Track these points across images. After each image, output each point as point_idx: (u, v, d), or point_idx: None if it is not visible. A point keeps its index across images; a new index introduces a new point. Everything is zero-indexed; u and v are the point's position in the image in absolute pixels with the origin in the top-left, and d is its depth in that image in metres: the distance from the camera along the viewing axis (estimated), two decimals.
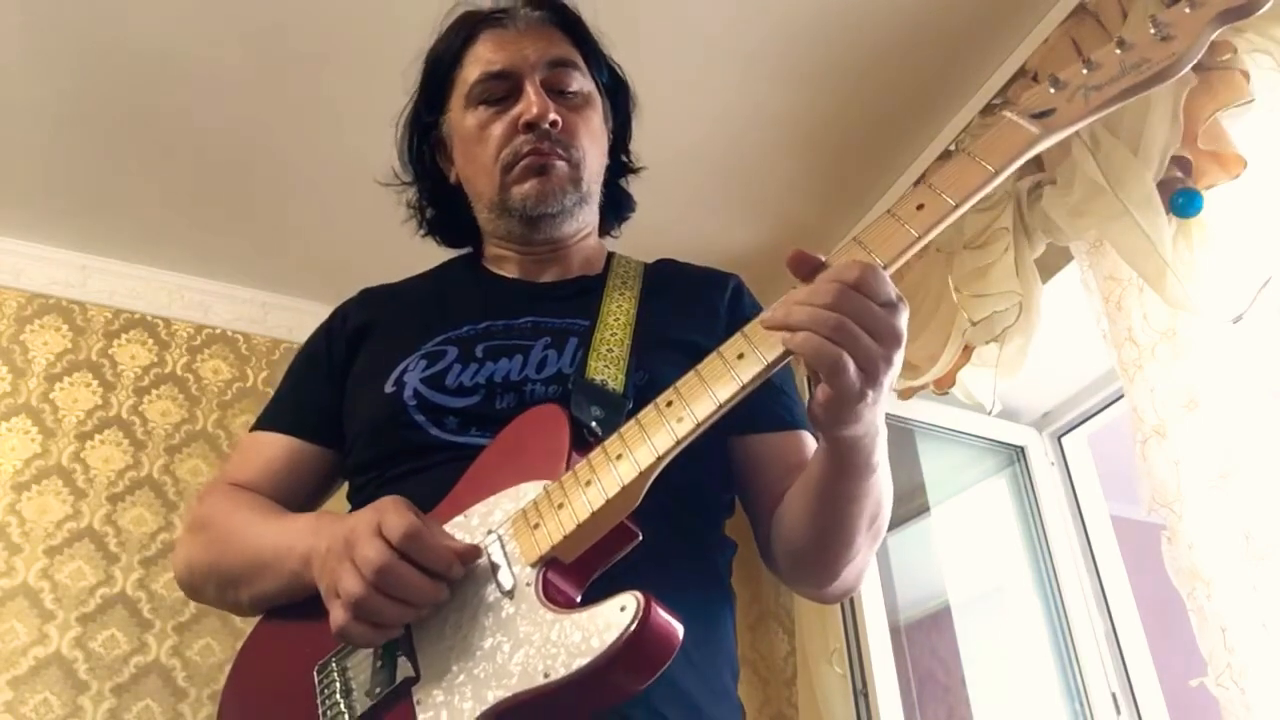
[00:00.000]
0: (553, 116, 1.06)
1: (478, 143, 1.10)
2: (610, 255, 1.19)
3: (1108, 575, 2.46)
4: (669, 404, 0.79)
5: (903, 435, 2.67)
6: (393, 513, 0.81)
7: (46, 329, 2.72)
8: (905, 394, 2.43)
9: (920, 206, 0.76)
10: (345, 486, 1.10)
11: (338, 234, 2.70)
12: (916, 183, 0.78)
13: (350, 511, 1.06)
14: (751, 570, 3.07)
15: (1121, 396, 2.15)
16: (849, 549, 0.91)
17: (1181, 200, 1.74)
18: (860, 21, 2.17)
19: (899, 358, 0.75)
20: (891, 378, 0.76)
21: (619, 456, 0.79)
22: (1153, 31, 0.76)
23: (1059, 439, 2.69)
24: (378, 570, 0.78)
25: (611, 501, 0.78)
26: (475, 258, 1.21)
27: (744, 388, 0.76)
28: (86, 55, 2.20)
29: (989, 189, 0.76)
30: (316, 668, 0.88)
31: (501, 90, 1.09)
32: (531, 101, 1.07)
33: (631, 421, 0.81)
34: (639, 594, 0.72)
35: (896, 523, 2.74)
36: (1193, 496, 1.68)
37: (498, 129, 1.08)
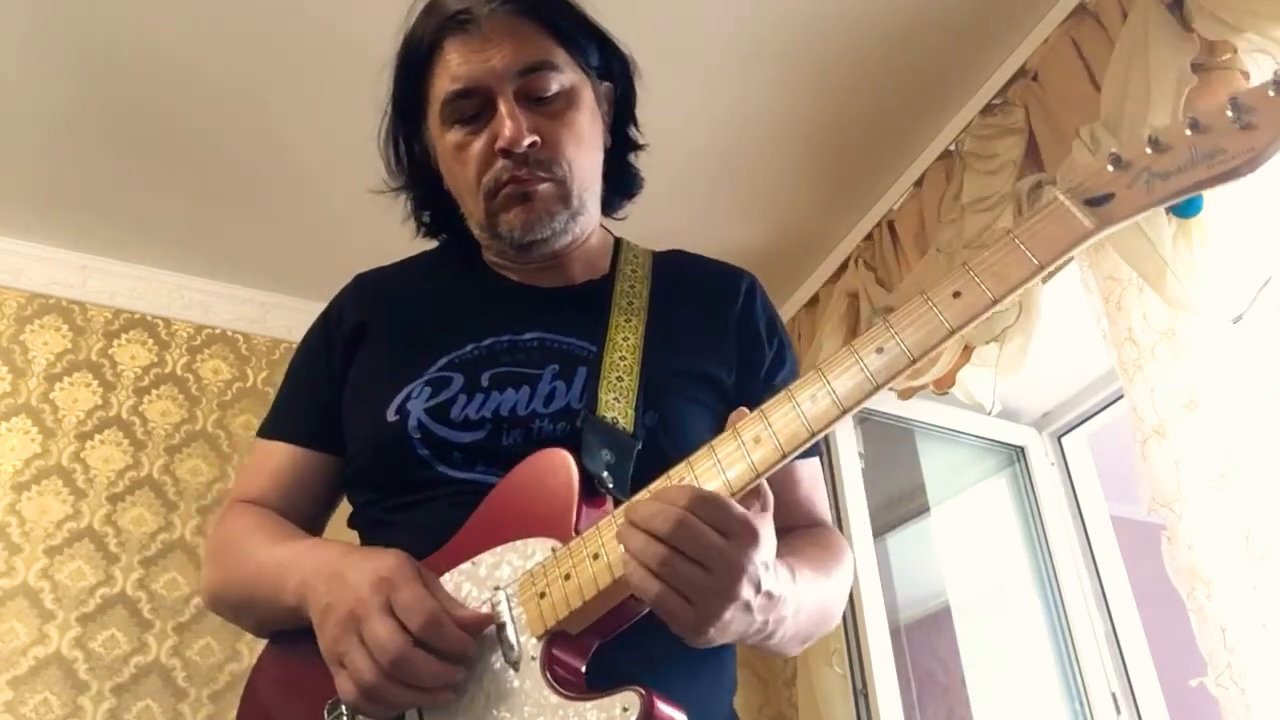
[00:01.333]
0: (529, 139, 0.98)
1: (458, 163, 1.04)
2: (617, 246, 1.14)
3: (1108, 575, 2.46)
4: (681, 480, 0.77)
5: (903, 435, 2.68)
6: (405, 590, 0.79)
7: (46, 329, 2.72)
8: (905, 394, 2.43)
9: (957, 294, 0.71)
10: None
11: (338, 234, 2.70)
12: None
13: (351, 519, 1.05)
14: None
15: (1121, 396, 2.15)
16: (789, 652, 0.93)
17: (1182, 200, 1.74)
18: (860, 22, 2.17)
19: (746, 592, 0.71)
20: (739, 613, 0.73)
21: None
22: (1231, 115, 0.67)
23: (1059, 439, 2.70)
24: (393, 660, 0.76)
25: (619, 580, 0.76)
26: (474, 249, 1.14)
27: (759, 474, 0.74)
28: (87, 56, 2.20)
29: (1033, 284, 0.71)
30: (327, 707, 0.86)
31: (473, 108, 1.01)
32: (505, 125, 0.98)
33: (643, 492, 0.79)
34: (641, 691, 0.72)
35: (896, 523, 2.76)
36: (1193, 496, 1.67)
37: (475, 150, 1.01)
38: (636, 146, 1.17)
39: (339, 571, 0.83)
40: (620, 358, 0.98)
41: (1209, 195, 1.89)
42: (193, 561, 2.55)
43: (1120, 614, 2.41)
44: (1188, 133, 0.69)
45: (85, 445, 2.61)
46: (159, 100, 2.31)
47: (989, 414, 2.33)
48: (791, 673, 2.81)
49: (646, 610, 0.78)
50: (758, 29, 2.19)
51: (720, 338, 1.05)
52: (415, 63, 1.07)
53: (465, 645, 0.79)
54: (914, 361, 0.71)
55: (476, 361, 1.00)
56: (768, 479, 0.77)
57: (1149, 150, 0.70)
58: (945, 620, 2.70)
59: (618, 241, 1.16)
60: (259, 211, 2.67)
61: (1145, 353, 1.80)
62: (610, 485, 0.86)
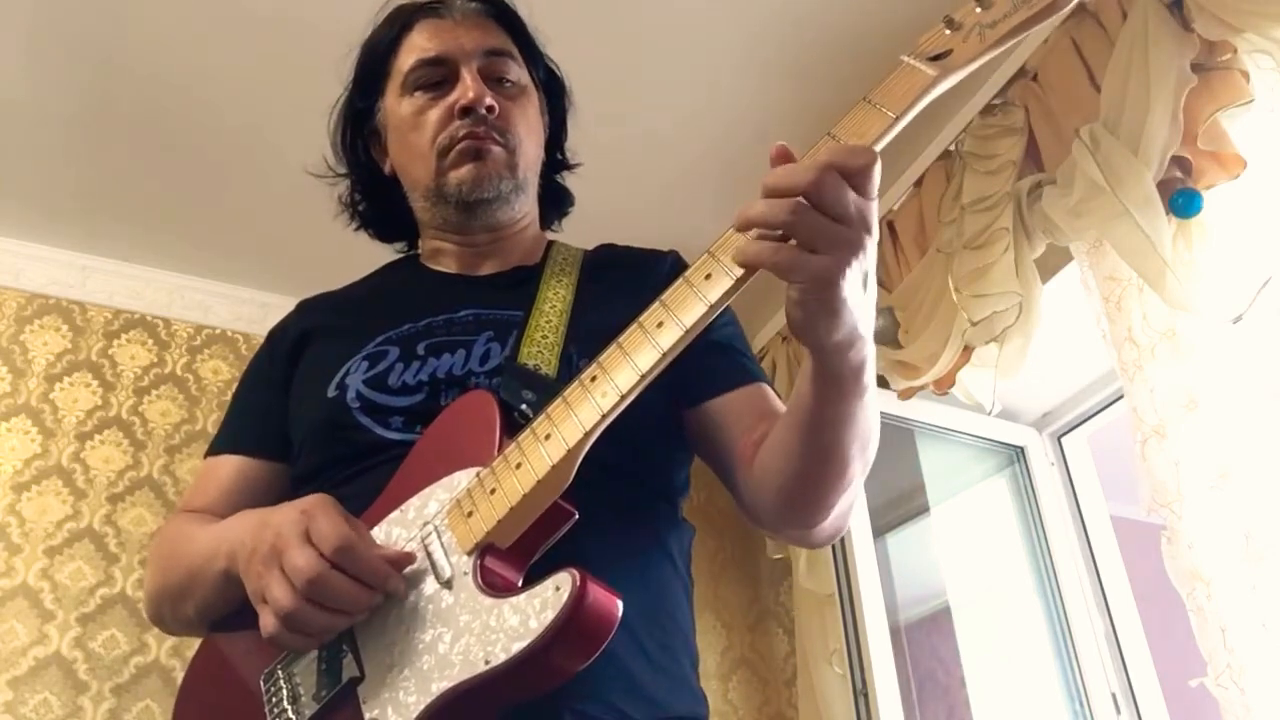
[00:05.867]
0: (489, 101, 1.06)
1: (413, 129, 1.09)
2: (550, 244, 1.17)
3: (1108, 575, 2.46)
4: (593, 379, 0.78)
5: (903, 435, 2.67)
6: (323, 519, 0.79)
7: (46, 329, 2.72)
8: (905, 394, 2.43)
9: None
10: None
11: (337, 234, 2.69)
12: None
13: None
14: (751, 570, 3.07)
15: (1121, 396, 2.15)
16: (843, 477, 0.86)
17: (1181, 200, 1.74)
18: (861, 20, 2.17)
19: (870, 242, 0.72)
20: (864, 268, 0.73)
21: (547, 436, 0.78)
22: None
23: (1059, 439, 2.69)
24: (309, 581, 0.76)
25: (543, 482, 0.77)
26: (413, 257, 1.21)
27: (665, 355, 0.75)
28: (88, 56, 2.19)
29: (891, 135, 0.76)
30: (263, 677, 0.86)
31: (437, 76, 1.09)
32: (468, 86, 1.06)
33: (558, 400, 0.80)
34: (574, 571, 0.72)
35: (896, 523, 2.76)
36: (1192, 496, 1.68)
37: (434, 114, 1.07)
38: (568, 166, 1.25)
39: (263, 519, 0.85)
40: (547, 320, 1.01)
41: (1209, 196, 1.88)
42: None
43: (1120, 614, 2.40)
44: None
45: (85, 445, 2.61)
46: (159, 101, 2.31)
47: (989, 414, 2.33)
48: (791, 672, 2.81)
49: (574, 520, 0.79)
50: (756, 27, 2.19)
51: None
52: (382, 43, 1.15)
53: (382, 569, 0.79)
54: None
55: (413, 336, 1.03)
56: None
57: (978, 9, 0.77)
58: (945, 620, 2.70)
59: (551, 241, 1.20)
60: (259, 212, 2.67)
61: (1145, 353, 1.80)
62: (531, 416, 0.86)
